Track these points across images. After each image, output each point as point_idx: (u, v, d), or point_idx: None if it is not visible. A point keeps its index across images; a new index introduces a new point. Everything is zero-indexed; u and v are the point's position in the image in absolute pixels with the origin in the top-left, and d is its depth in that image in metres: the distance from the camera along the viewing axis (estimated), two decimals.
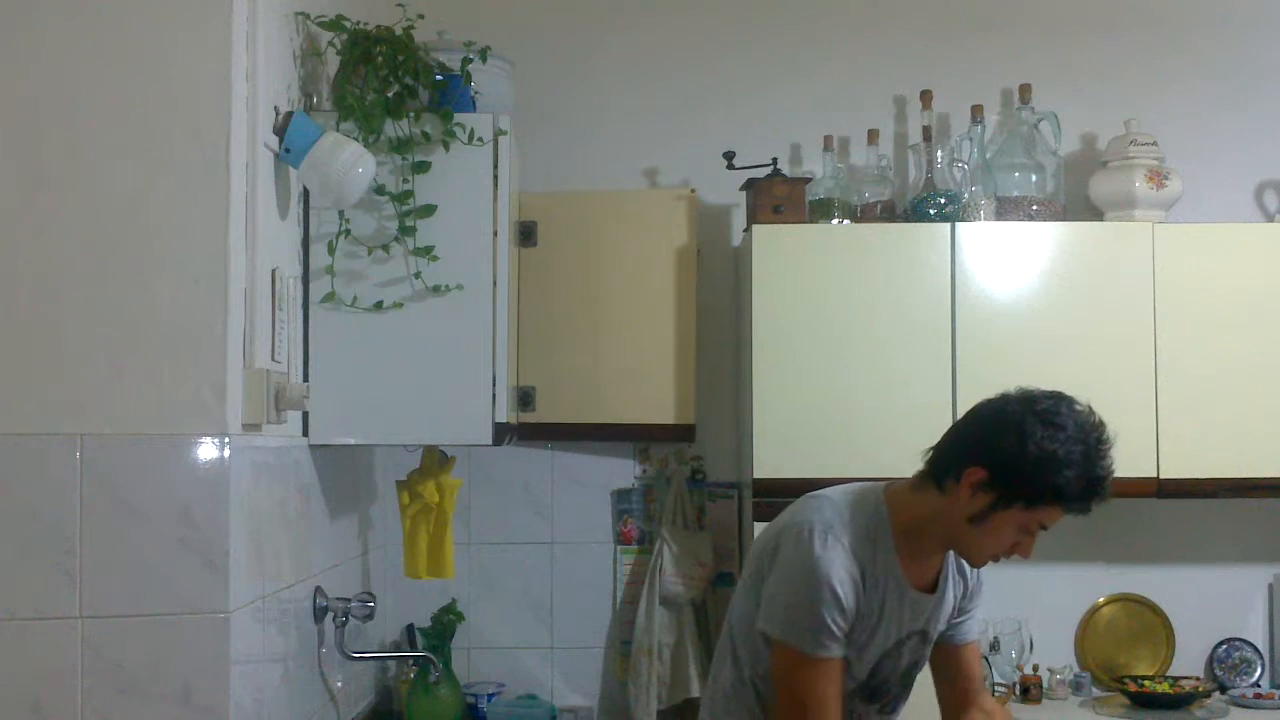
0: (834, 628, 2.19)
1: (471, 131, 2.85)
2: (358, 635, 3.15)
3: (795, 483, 3.38)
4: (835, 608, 2.19)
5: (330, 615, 2.92)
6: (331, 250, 2.81)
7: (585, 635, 3.78)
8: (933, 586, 2.35)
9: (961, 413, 3.34)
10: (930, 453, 2.30)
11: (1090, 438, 2.18)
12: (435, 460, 3.25)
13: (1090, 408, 2.21)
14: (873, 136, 3.75)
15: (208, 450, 2.25)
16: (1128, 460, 3.36)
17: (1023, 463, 2.15)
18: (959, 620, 2.44)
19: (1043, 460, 2.14)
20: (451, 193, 2.85)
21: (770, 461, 3.42)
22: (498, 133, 2.89)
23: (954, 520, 2.23)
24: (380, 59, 2.81)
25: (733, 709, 2.36)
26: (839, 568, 2.20)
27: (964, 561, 2.40)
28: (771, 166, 3.59)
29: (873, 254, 3.49)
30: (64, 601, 2.19)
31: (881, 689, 2.35)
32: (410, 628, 3.59)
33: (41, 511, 2.19)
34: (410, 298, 2.84)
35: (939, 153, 3.62)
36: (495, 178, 2.89)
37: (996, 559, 2.28)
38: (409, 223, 2.82)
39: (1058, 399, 2.21)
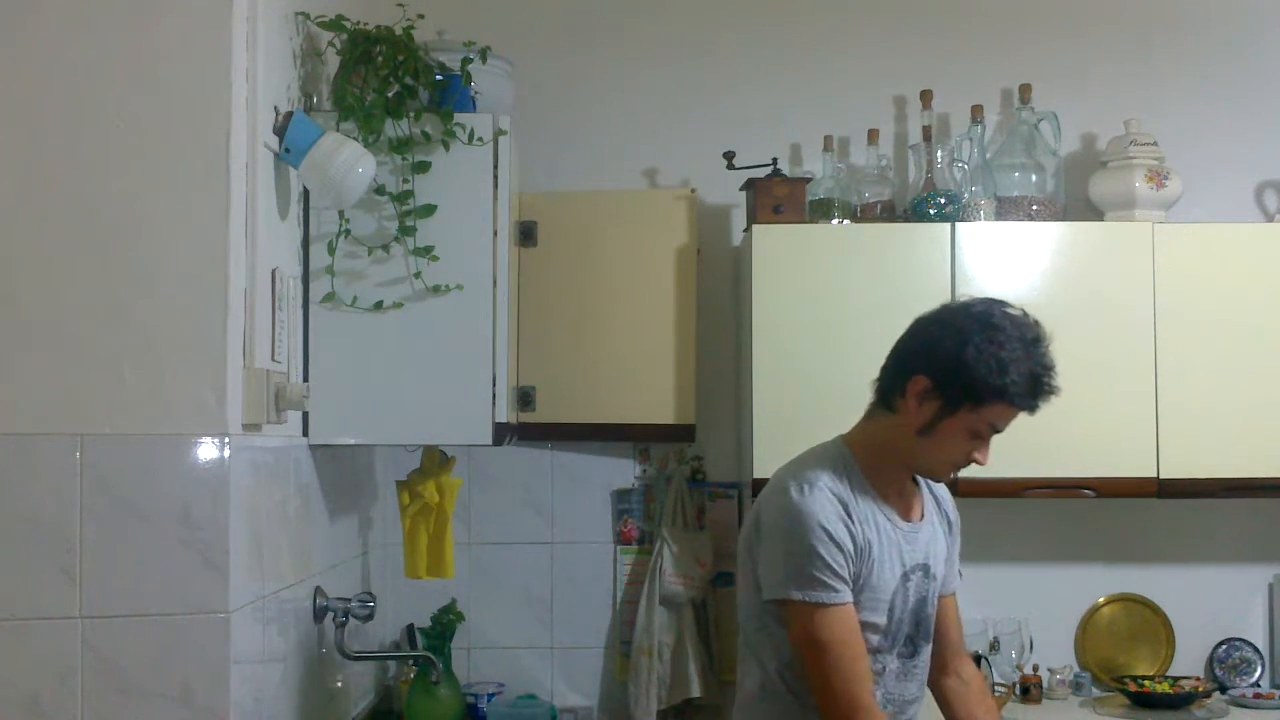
0: (836, 566, 2.21)
1: (471, 131, 2.85)
2: (358, 635, 3.15)
3: None
4: (832, 544, 2.21)
5: (330, 615, 2.92)
6: (331, 250, 2.81)
7: (585, 635, 3.78)
8: (921, 516, 2.39)
9: None
10: (875, 381, 2.37)
11: (1028, 335, 2.23)
12: (435, 460, 3.25)
13: (1024, 311, 2.27)
14: (873, 136, 3.75)
15: (208, 450, 2.25)
16: (1128, 460, 3.44)
17: (963, 363, 2.19)
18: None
19: (982, 358, 2.19)
20: (451, 193, 2.85)
21: (770, 461, 3.37)
22: (498, 133, 2.89)
23: (907, 436, 2.28)
24: (380, 59, 2.81)
25: (764, 710, 2.34)
26: (823, 504, 2.23)
27: (935, 490, 2.46)
28: (771, 166, 3.59)
29: (873, 254, 3.49)
30: (64, 601, 2.19)
31: (898, 630, 2.34)
32: (410, 628, 3.58)
33: (42, 511, 2.19)
34: (410, 298, 2.84)
35: (939, 153, 3.62)
36: (495, 178, 2.89)
37: (957, 469, 2.32)
38: (409, 223, 2.82)
39: (990, 302, 2.29)
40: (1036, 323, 2.26)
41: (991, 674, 3.59)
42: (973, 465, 2.29)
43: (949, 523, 2.48)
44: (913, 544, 2.35)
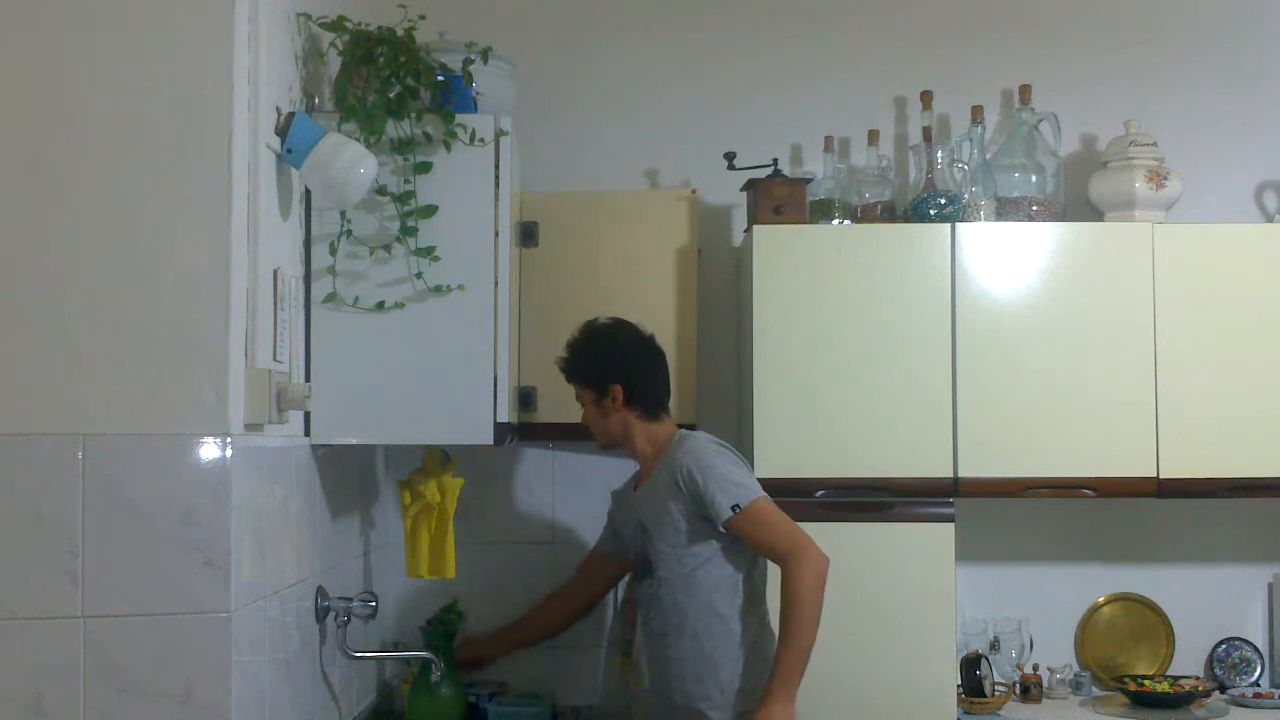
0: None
1: (473, 132, 2.86)
2: (359, 635, 3.16)
3: (796, 482, 3.40)
4: (741, 459, 3.09)
5: (332, 615, 2.93)
6: (333, 250, 2.81)
7: (585, 635, 3.78)
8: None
9: (962, 412, 3.41)
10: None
11: None
12: (436, 460, 3.25)
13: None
14: (873, 137, 3.75)
15: (210, 450, 2.26)
16: (1128, 460, 3.45)
17: None
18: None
19: None
20: (453, 193, 2.86)
21: (770, 461, 3.42)
22: (499, 133, 2.89)
23: None
24: (382, 60, 2.81)
25: (743, 620, 3.02)
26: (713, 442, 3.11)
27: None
28: (772, 167, 3.59)
29: (873, 254, 3.49)
30: (66, 601, 2.20)
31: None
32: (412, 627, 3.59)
33: (44, 511, 2.20)
34: (412, 298, 2.85)
35: (939, 153, 3.62)
36: (496, 178, 2.90)
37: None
38: (410, 223, 2.82)
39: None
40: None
41: (992, 673, 3.59)
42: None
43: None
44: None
